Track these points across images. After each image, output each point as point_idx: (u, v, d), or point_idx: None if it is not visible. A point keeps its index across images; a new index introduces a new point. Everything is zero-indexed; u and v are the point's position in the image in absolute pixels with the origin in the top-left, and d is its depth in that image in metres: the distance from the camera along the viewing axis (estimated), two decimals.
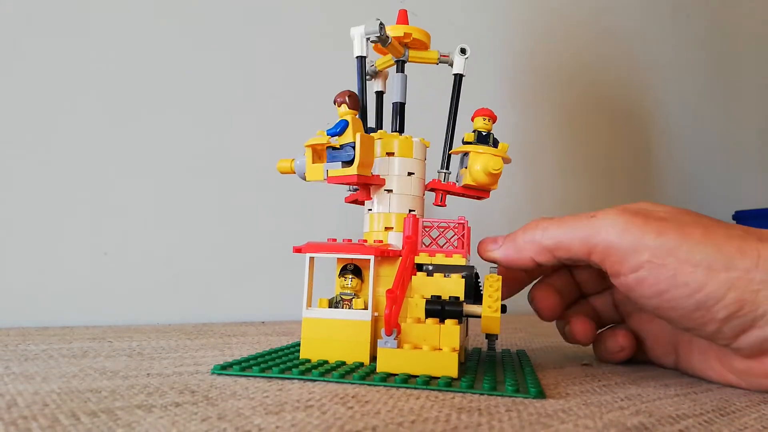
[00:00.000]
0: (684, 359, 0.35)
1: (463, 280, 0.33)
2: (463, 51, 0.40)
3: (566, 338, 0.39)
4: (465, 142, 0.38)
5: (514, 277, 0.38)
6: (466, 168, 0.38)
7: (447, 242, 0.35)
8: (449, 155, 0.40)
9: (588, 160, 0.98)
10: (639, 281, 0.30)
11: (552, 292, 0.38)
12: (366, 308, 0.33)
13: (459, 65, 0.41)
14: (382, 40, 0.38)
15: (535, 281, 0.40)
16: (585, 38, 0.99)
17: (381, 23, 0.37)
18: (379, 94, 0.44)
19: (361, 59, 0.38)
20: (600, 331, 0.40)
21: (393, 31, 0.39)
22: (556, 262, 0.34)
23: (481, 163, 0.37)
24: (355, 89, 0.37)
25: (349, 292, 0.35)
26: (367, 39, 0.38)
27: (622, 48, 1.05)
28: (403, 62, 0.42)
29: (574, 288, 0.40)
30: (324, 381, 0.29)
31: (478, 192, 0.39)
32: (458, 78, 0.41)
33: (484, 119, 0.38)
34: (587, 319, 0.38)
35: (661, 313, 0.31)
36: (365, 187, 0.38)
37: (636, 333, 0.38)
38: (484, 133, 0.38)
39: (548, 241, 0.33)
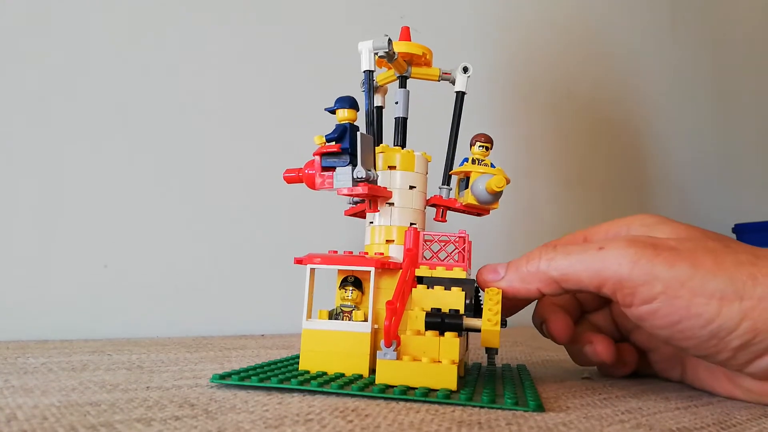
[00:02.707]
0: (690, 373, 0.35)
1: (463, 293, 0.33)
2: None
3: (582, 360, 0.38)
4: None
5: (512, 304, 0.37)
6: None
7: (448, 256, 0.36)
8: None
9: (586, 174, 0.99)
10: (652, 312, 0.29)
11: (562, 313, 0.37)
12: (366, 320, 0.33)
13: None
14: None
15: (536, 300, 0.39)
16: (583, 53, 1.00)
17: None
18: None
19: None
20: None
21: (397, 47, 0.40)
22: (563, 292, 0.33)
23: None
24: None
25: (349, 304, 0.35)
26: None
27: (620, 61, 1.06)
28: (405, 78, 0.42)
29: (577, 306, 0.39)
30: (322, 392, 0.29)
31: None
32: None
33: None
34: (606, 338, 0.37)
35: (674, 342, 0.30)
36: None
37: (640, 347, 0.38)
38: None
39: (555, 273, 0.32)
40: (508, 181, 0.38)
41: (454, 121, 0.41)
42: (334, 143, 0.35)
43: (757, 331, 0.27)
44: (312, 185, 0.37)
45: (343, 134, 0.35)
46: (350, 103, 0.35)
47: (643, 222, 0.34)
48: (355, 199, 0.40)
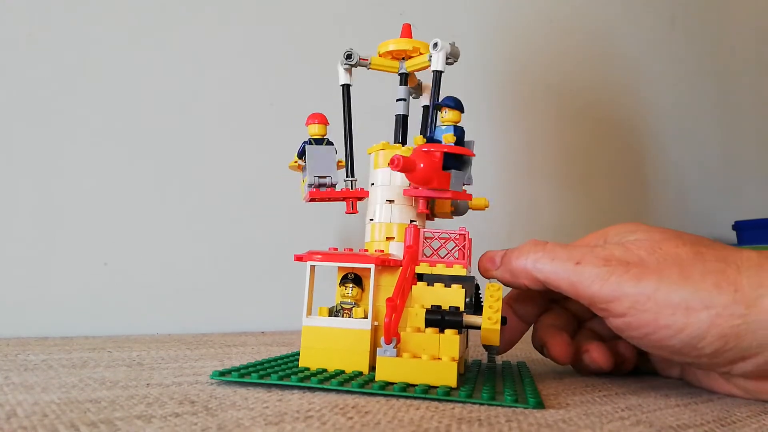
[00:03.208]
0: (689, 372, 0.36)
1: (463, 290, 0.33)
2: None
3: (583, 369, 0.38)
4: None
5: (513, 327, 0.39)
6: None
7: (448, 253, 0.36)
8: None
9: (586, 173, 0.98)
10: (626, 325, 0.31)
11: (560, 335, 0.37)
12: (366, 317, 0.33)
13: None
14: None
15: (533, 324, 0.40)
16: (584, 51, 1.00)
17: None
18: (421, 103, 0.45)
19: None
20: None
21: (397, 44, 0.41)
22: (548, 290, 0.34)
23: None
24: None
25: (349, 301, 0.35)
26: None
27: (620, 61, 1.05)
28: (405, 75, 0.42)
29: (573, 321, 0.40)
30: (322, 389, 0.29)
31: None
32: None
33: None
34: (602, 345, 0.37)
35: (654, 351, 0.32)
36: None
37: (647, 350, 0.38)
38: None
39: (539, 275, 0.33)
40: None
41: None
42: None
43: (726, 337, 0.28)
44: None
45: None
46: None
47: (619, 230, 0.35)
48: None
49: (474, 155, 0.37)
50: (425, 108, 0.43)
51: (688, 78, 1.17)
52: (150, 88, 0.60)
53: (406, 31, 0.41)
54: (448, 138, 0.35)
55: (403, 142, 0.41)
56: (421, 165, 0.34)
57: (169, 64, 0.62)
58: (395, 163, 0.33)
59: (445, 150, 0.34)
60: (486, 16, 0.87)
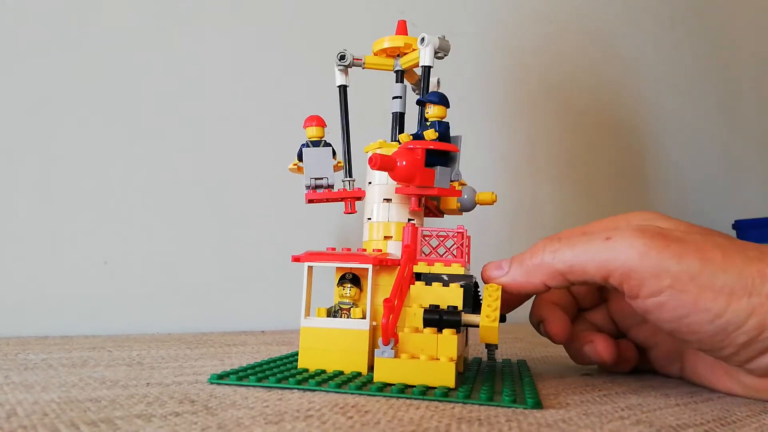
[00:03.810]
0: (689, 369, 0.35)
1: (462, 289, 0.33)
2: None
3: (583, 360, 0.37)
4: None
5: (512, 299, 0.36)
6: None
7: (446, 251, 0.35)
8: None
9: (587, 170, 0.98)
10: (658, 305, 0.29)
11: (560, 312, 0.36)
12: (364, 317, 0.33)
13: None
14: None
15: (533, 298, 0.38)
16: (586, 50, 1.00)
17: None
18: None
19: (341, 88, 0.42)
20: None
21: (390, 41, 0.41)
22: (569, 285, 0.32)
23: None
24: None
25: (347, 301, 0.35)
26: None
27: (621, 61, 1.05)
28: (401, 72, 0.42)
29: (574, 304, 0.39)
30: (321, 390, 0.29)
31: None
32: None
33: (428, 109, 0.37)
34: (607, 337, 0.36)
35: (679, 335, 0.30)
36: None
37: (639, 343, 0.38)
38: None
39: (561, 265, 0.31)
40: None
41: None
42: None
43: (764, 327, 0.27)
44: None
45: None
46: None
47: (644, 217, 0.34)
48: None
49: (458, 150, 0.36)
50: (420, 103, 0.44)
51: (689, 78, 1.17)
52: (150, 88, 0.60)
53: (402, 28, 0.41)
54: (429, 134, 0.34)
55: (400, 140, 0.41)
56: (403, 162, 0.33)
57: (169, 64, 0.62)
58: (373, 162, 0.33)
59: (429, 146, 0.34)
60: (488, 16, 0.87)
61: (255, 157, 0.65)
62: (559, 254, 0.31)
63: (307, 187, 0.40)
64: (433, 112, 0.35)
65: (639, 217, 0.34)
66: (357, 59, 0.41)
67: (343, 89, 0.42)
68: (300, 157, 0.41)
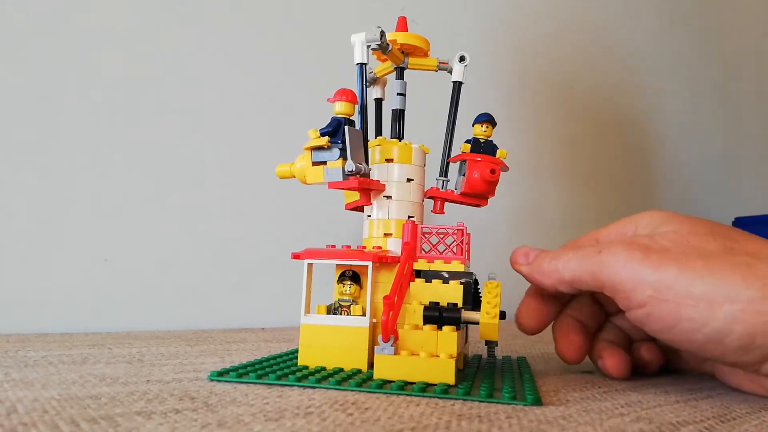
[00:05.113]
0: (718, 370, 0.34)
1: (461, 286, 0.33)
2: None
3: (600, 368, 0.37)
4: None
5: (540, 309, 0.37)
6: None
7: (446, 248, 0.35)
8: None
9: (589, 167, 0.98)
10: (647, 316, 0.29)
11: (573, 334, 0.36)
12: (364, 315, 0.33)
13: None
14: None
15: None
16: (587, 47, 1.00)
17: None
18: (378, 101, 0.44)
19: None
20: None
21: (392, 38, 0.40)
22: (578, 292, 0.33)
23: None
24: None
25: (347, 298, 0.35)
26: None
27: (622, 60, 1.05)
28: (403, 69, 0.42)
29: (599, 311, 0.38)
30: (321, 387, 0.29)
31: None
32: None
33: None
34: (620, 351, 0.36)
35: (677, 345, 0.30)
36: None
37: (669, 345, 0.37)
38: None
39: (567, 274, 0.32)
40: (505, 168, 0.38)
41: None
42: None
43: (753, 334, 0.27)
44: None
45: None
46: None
47: (650, 220, 0.34)
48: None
49: (507, 169, 0.39)
50: (378, 101, 0.44)
51: (689, 77, 1.17)
52: (150, 88, 0.60)
53: (402, 25, 0.41)
54: (502, 153, 0.39)
55: (400, 137, 0.41)
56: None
57: (169, 63, 0.62)
58: (497, 175, 0.37)
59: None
60: (488, 12, 0.86)
61: (255, 154, 0.65)
62: (569, 264, 0.32)
63: (350, 173, 0.35)
64: (488, 130, 0.39)
65: (647, 218, 0.34)
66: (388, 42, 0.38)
67: (362, 68, 0.38)
68: (332, 133, 0.35)
